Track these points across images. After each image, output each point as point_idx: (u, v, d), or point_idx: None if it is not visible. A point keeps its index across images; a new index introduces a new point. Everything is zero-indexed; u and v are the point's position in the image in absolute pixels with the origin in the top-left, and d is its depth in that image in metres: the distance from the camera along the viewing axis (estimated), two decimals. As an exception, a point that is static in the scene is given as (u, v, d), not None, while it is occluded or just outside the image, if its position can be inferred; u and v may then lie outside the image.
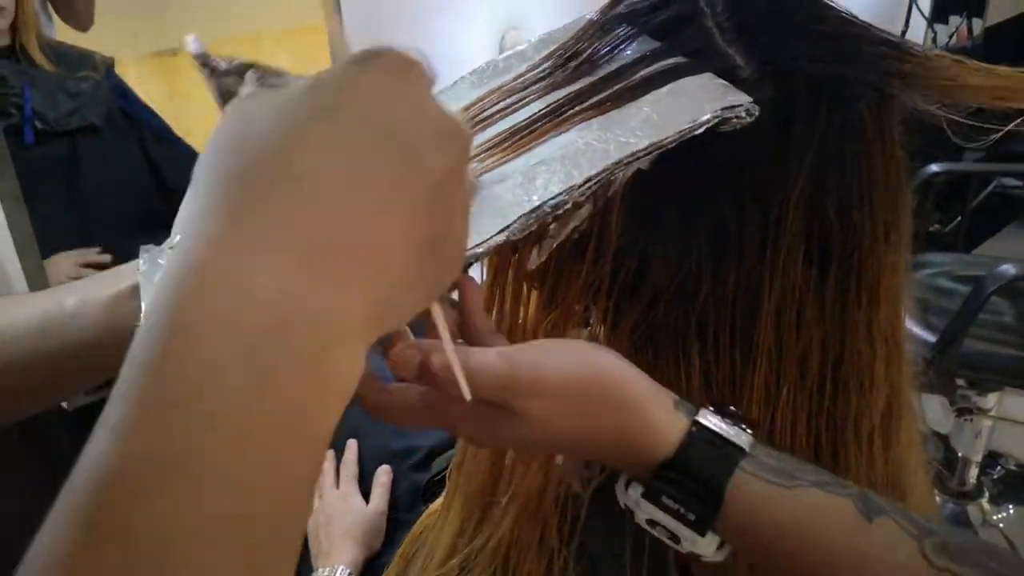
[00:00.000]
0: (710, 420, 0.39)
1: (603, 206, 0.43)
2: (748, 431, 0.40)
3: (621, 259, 0.44)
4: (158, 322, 0.23)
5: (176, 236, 0.31)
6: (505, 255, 0.45)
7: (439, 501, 0.54)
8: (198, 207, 0.25)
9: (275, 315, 0.23)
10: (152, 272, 0.48)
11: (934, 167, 2.02)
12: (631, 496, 0.40)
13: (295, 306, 0.23)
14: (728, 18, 0.43)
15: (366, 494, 0.91)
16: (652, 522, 0.40)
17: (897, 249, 0.45)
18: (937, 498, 2.14)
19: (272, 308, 0.23)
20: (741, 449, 0.39)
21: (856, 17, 0.44)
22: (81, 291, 0.48)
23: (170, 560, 0.20)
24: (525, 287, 0.46)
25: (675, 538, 0.39)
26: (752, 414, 0.45)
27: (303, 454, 0.24)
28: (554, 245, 0.44)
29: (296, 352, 0.23)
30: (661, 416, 0.39)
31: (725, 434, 0.39)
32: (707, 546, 0.39)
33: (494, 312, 0.46)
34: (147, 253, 0.51)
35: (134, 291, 0.47)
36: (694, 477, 0.38)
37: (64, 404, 1.66)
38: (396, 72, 0.28)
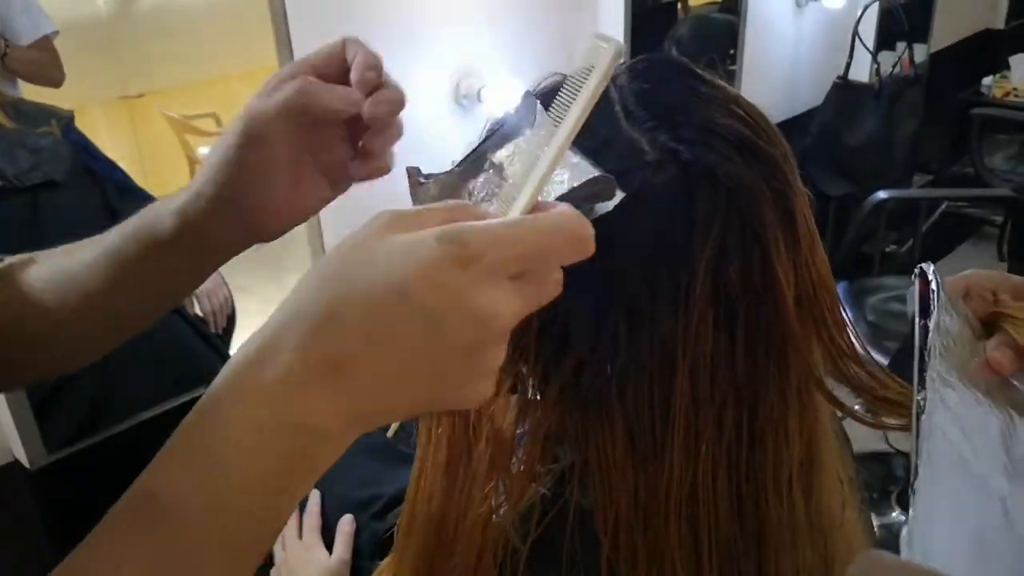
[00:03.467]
0: None
1: None
2: None
3: (545, 332, 0.47)
4: (211, 401, 0.35)
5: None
6: None
7: (388, 560, 0.57)
8: (276, 325, 0.35)
9: (276, 416, 0.34)
10: None
11: (882, 194, 2.08)
12: None
13: (295, 411, 0.34)
14: (635, 106, 0.47)
15: (329, 544, 0.93)
16: None
17: (803, 308, 0.49)
18: (902, 517, 2.18)
19: (275, 410, 0.34)
20: None
21: (757, 120, 0.48)
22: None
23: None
24: None
25: None
26: (674, 468, 0.48)
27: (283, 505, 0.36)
28: None
29: (294, 444, 0.34)
30: None
31: None
32: None
33: None
34: None
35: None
36: None
37: (27, 464, 1.66)
38: (463, 265, 0.33)
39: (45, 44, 1.83)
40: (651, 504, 0.48)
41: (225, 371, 0.35)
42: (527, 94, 0.49)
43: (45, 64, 1.84)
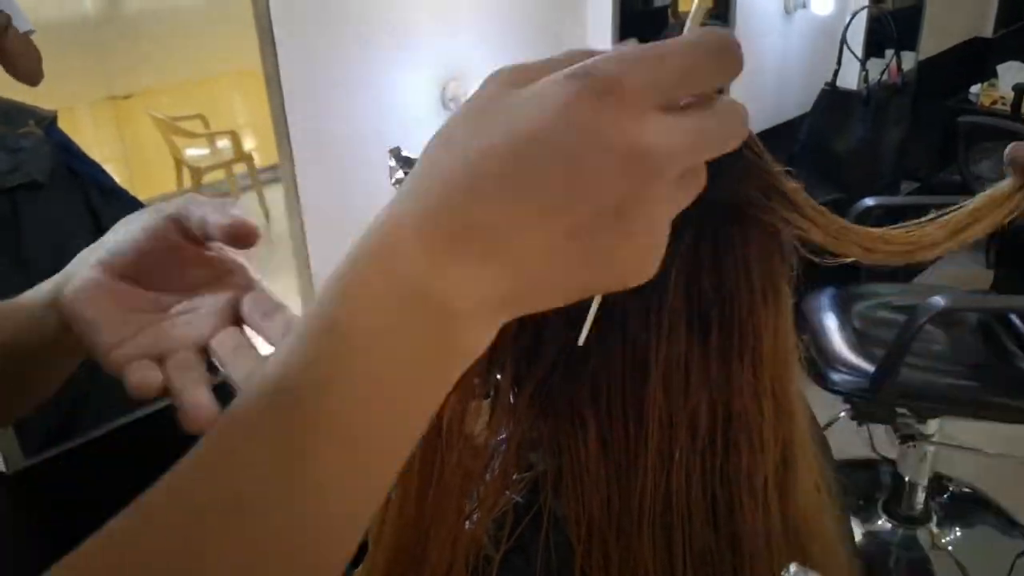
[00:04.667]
0: None
1: None
2: None
3: (517, 335, 0.46)
4: (331, 287, 0.30)
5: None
6: None
7: (360, 568, 0.56)
8: (403, 188, 0.31)
9: (415, 290, 0.29)
10: None
11: (869, 201, 2.08)
12: None
13: (434, 285, 0.29)
14: None
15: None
16: None
17: (778, 311, 0.48)
18: (888, 525, 2.18)
19: (414, 284, 0.29)
20: None
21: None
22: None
23: None
24: None
25: None
26: (648, 475, 0.47)
27: (424, 395, 0.31)
28: None
29: (426, 320, 0.30)
30: None
31: None
32: None
33: None
34: None
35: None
36: None
37: (3, 468, 1.65)
38: (601, 97, 0.29)
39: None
40: (625, 511, 0.48)
41: (351, 253, 0.30)
42: None
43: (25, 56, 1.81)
